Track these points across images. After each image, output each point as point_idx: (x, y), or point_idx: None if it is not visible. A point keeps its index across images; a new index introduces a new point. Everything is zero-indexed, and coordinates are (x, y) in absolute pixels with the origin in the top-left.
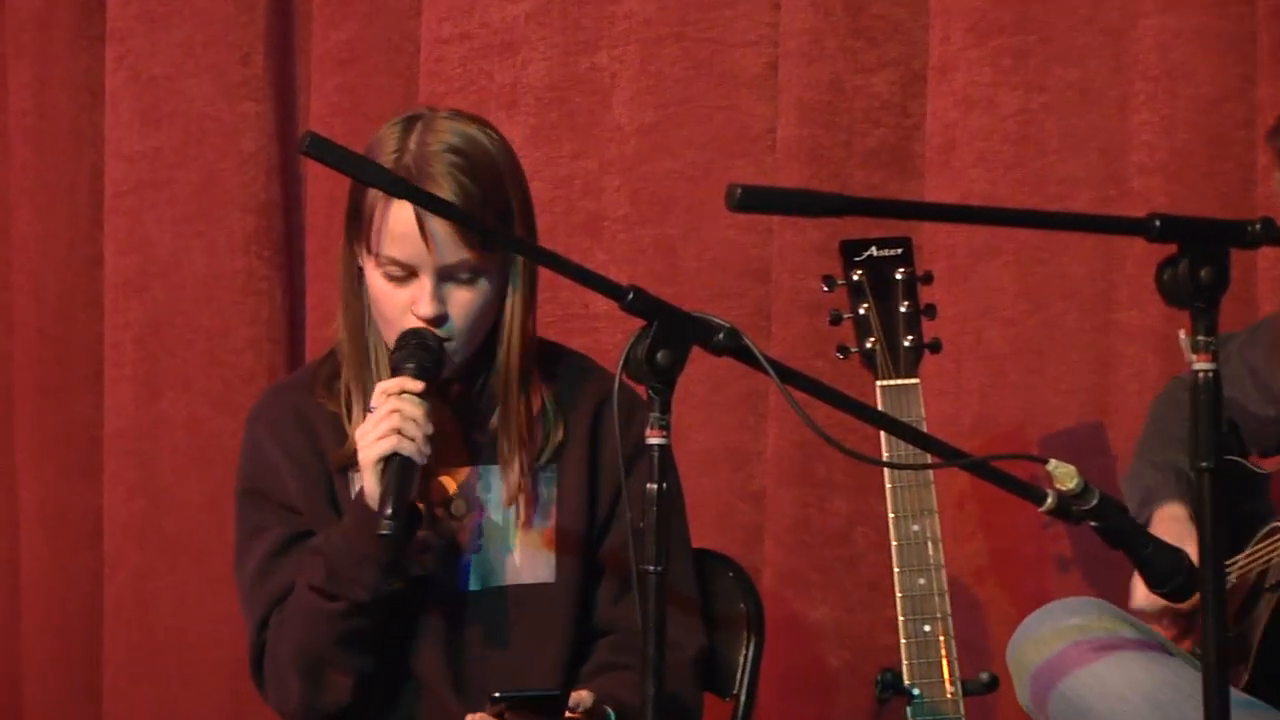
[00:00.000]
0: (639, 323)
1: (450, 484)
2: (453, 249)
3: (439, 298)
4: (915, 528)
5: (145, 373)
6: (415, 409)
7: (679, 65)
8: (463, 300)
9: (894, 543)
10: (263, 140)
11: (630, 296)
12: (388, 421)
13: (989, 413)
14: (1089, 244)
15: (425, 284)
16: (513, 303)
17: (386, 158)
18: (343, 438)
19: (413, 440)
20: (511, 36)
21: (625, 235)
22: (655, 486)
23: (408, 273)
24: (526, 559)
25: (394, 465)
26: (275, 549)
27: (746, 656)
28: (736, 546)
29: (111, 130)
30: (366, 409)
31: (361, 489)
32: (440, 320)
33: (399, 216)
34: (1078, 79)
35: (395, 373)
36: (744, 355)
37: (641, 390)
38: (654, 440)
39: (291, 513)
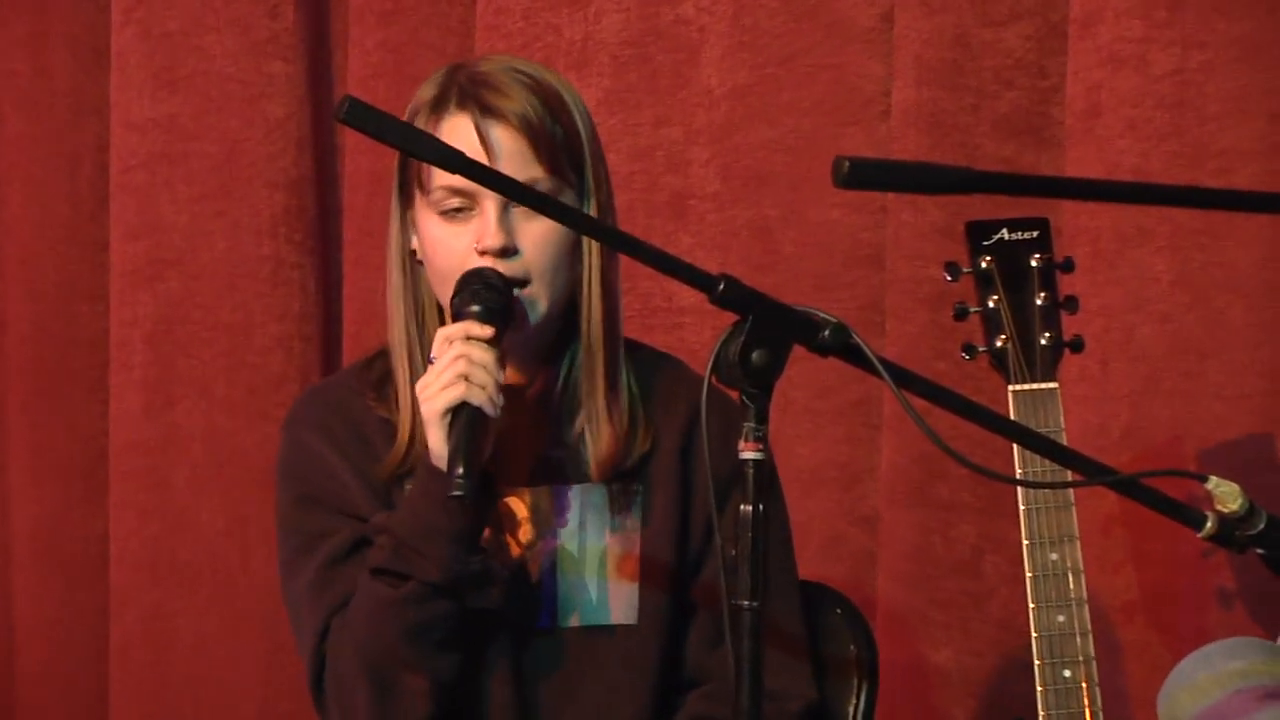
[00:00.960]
0: (731, 318)
1: (519, 507)
2: (522, 163)
3: (505, 226)
4: (1053, 556)
5: (157, 377)
6: (484, 354)
7: (778, 17)
8: (536, 233)
9: (1029, 574)
10: (293, 106)
11: (721, 287)
12: (453, 368)
13: (1140, 422)
14: (1256, 226)
15: (489, 211)
16: (592, 260)
17: (429, 93)
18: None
19: (483, 388)
20: None
21: (715, 216)
22: (750, 508)
23: (467, 203)
24: (607, 593)
25: (464, 417)
26: (337, 555)
27: (857, 707)
28: (845, 578)
29: (118, 95)
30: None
31: (425, 455)
32: (508, 252)
33: (454, 128)
34: (1244, 34)
35: (456, 319)
36: (853, 356)
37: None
38: (749, 454)
39: (353, 519)
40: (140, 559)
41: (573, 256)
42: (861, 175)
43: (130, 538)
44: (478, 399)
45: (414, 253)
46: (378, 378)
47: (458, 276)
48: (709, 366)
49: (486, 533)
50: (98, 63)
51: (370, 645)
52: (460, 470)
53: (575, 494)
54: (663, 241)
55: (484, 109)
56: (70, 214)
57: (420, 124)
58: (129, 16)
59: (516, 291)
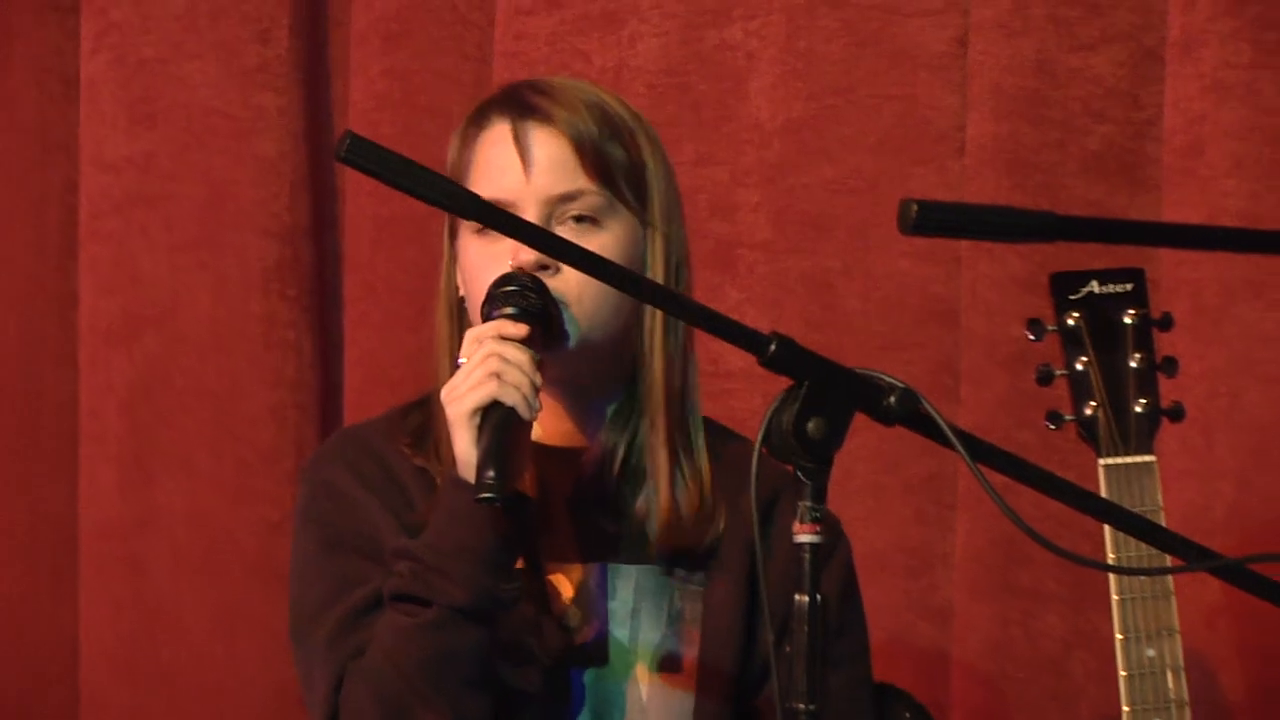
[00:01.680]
0: (784, 383)
1: (565, 585)
2: (565, 172)
3: None
4: (1150, 653)
5: (133, 450)
6: (519, 353)
7: (838, 41)
8: None
9: (1122, 673)
10: (286, 143)
11: (773, 348)
12: (484, 366)
13: (1247, 500)
14: None
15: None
16: (655, 314)
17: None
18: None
19: (518, 388)
20: (616, 4)
21: (766, 267)
22: (805, 599)
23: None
24: (656, 696)
25: (495, 417)
26: (365, 605)
27: None
28: (914, 678)
29: (88, 130)
30: None
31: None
32: (545, 267)
33: (491, 140)
34: None
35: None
36: (924, 425)
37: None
38: (805, 538)
39: (385, 567)
40: (115, 659)
41: (628, 298)
42: (932, 220)
43: (103, 634)
44: (511, 399)
45: (464, 299)
46: (416, 426)
47: None
48: (759, 438)
49: (598, 629)
50: (65, 94)
51: (388, 683)
52: (491, 472)
53: (630, 575)
54: (707, 296)
55: (523, 110)
56: (34, 265)
57: (459, 143)
58: (100, 42)
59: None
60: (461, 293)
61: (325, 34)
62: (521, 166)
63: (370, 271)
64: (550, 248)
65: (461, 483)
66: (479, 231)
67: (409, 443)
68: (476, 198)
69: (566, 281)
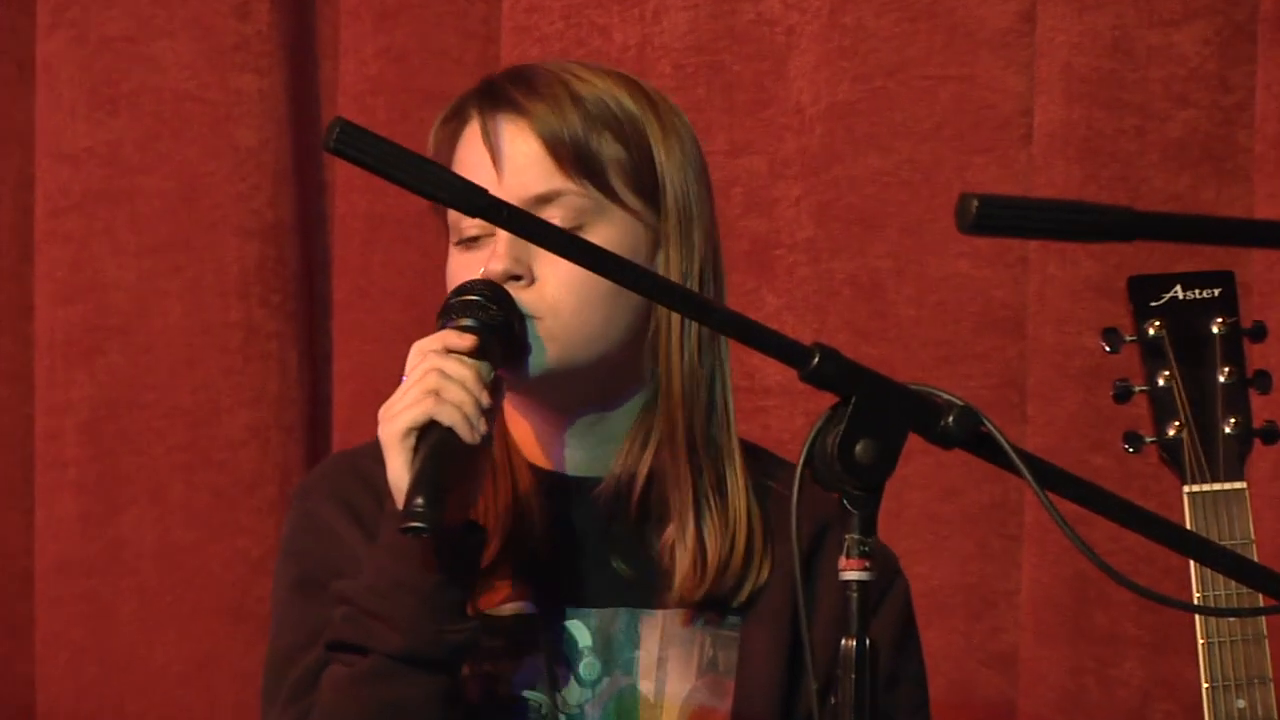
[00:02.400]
0: (829, 400)
1: (583, 632)
2: (538, 172)
3: (512, 252)
4: (1241, 704)
5: (96, 477)
6: (461, 367)
7: (888, 16)
8: (563, 263)
9: None
10: (269, 131)
11: (816, 361)
12: (422, 383)
13: None
14: None
15: (501, 234)
16: (670, 325)
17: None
18: None
19: (457, 406)
20: None
21: (809, 269)
22: (852, 643)
23: (485, 229)
24: None
25: (431, 438)
26: None
27: None
28: None
29: (45, 117)
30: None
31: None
32: (514, 278)
33: (465, 138)
34: None
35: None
36: (985, 448)
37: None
38: (852, 574)
39: None
40: (75, 710)
41: (626, 309)
42: (995, 217)
43: (62, 684)
44: (449, 418)
45: None
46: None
47: None
48: (801, 461)
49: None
50: (20, 77)
51: None
52: (420, 500)
53: (655, 621)
54: (742, 302)
55: (495, 103)
56: None
57: (434, 140)
58: (58, 18)
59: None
60: None
61: (312, 9)
62: (492, 165)
63: (362, 275)
64: (552, 242)
65: (394, 513)
66: (461, 243)
67: None
68: (484, 192)
69: (540, 294)
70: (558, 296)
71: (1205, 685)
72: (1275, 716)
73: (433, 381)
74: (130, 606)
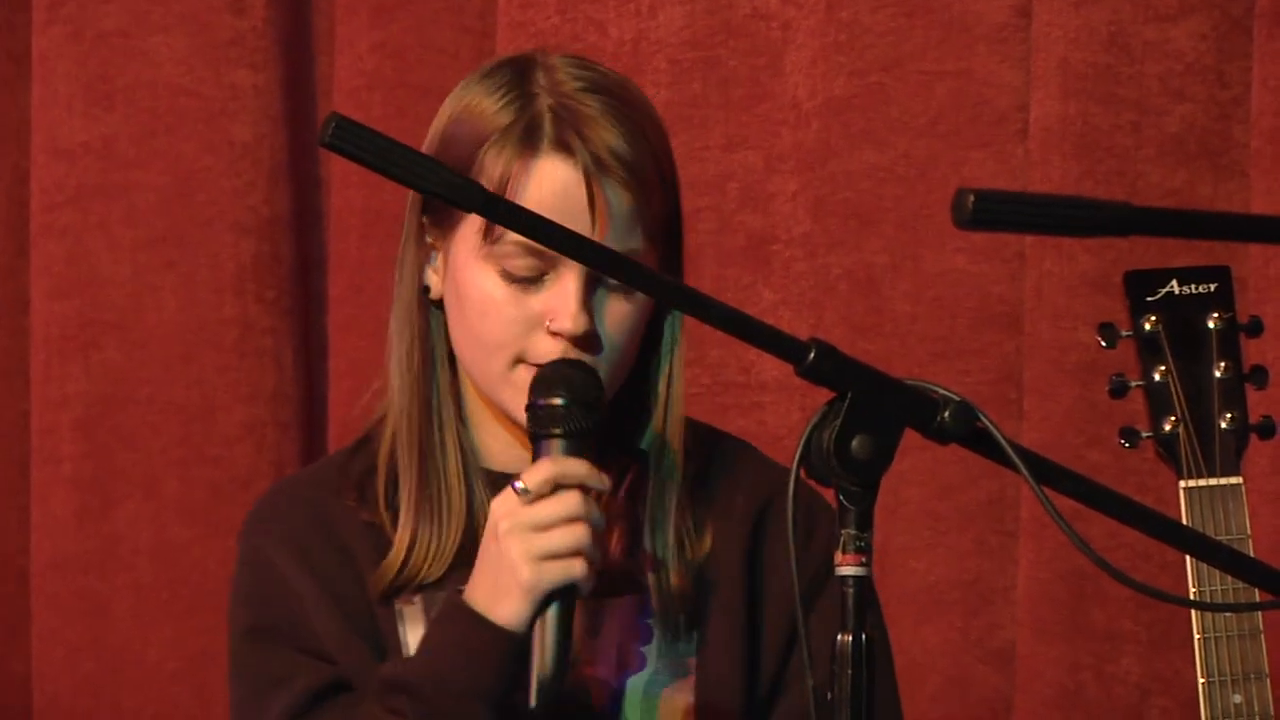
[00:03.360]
0: (825, 395)
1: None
2: (625, 231)
3: (589, 308)
4: (1237, 699)
5: (92, 473)
6: (602, 518)
7: (885, 10)
8: (619, 314)
9: None
10: (264, 126)
11: (812, 356)
12: (572, 535)
13: None
14: None
15: (570, 285)
16: (674, 341)
17: (496, 114)
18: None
19: (593, 564)
20: None
21: (805, 265)
22: (849, 638)
23: (542, 269)
24: None
25: (566, 603)
26: (297, 708)
27: None
28: None
29: (41, 113)
30: (435, 517)
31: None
32: (591, 342)
33: (549, 175)
34: None
35: (538, 441)
36: (982, 443)
37: (829, 495)
38: (849, 570)
39: (318, 659)
40: (72, 708)
41: (637, 344)
42: (991, 212)
43: (58, 680)
44: (587, 582)
45: (426, 289)
46: (362, 472)
47: (512, 348)
48: (796, 457)
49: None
50: (16, 72)
51: None
52: (556, 676)
53: (613, 609)
54: (738, 297)
55: (597, 160)
56: None
57: (494, 157)
58: (54, 14)
59: None
60: (433, 294)
61: (308, 4)
62: (590, 216)
63: (358, 271)
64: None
65: (479, 620)
66: (508, 276)
67: (355, 497)
68: (480, 188)
69: (603, 354)
70: (613, 350)
71: (1201, 680)
72: (1271, 712)
73: (584, 539)
74: (126, 602)
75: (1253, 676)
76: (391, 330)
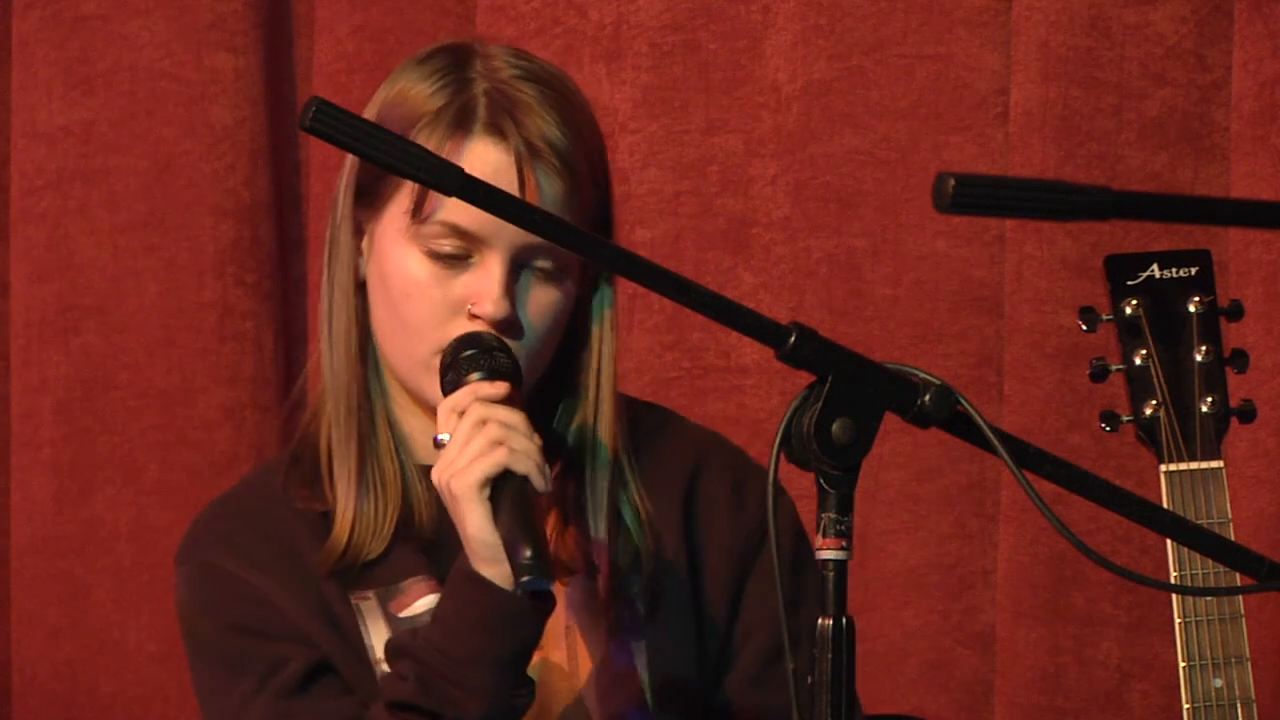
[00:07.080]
0: (806, 379)
1: None
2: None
3: (511, 293)
4: (1218, 683)
5: (71, 458)
6: (515, 415)
7: None
8: (542, 304)
9: (1186, 705)
10: (245, 110)
11: (792, 340)
12: (484, 435)
13: None
14: None
15: (494, 269)
16: (603, 330)
17: (430, 97)
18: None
19: (526, 454)
20: None
21: (785, 248)
22: (829, 622)
23: (468, 250)
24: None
25: (512, 488)
26: (293, 686)
27: None
28: (954, 711)
29: (20, 96)
30: (372, 493)
31: (459, 557)
32: (512, 327)
33: (480, 156)
34: None
35: (450, 391)
36: (962, 427)
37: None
38: (829, 554)
39: (303, 644)
40: (51, 692)
41: (560, 334)
42: (971, 196)
43: (37, 664)
44: (523, 466)
45: (362, 284)
46: (307, 475)
47: (433, 333)
48: (777, 441)
49: (536, 656)
50: None
51: None
52: (528, 551)
53: (559, 592)
54: (718, 281)
55: (530, 146)
56: None
57: (426, 139)
58: None
59: None
60: (360, 277)
61: None
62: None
63: None
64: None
65: (476, 577)
66: (434, 255)
67: (305, 494)
68: (462, 172)
69: (527, 337)
70: (532, 337)
71: (1182, 664)
72: (1252, 695)
73: (496, 432)
74: (106, 586)
75: (1233, 660)
76: (324, 313)
